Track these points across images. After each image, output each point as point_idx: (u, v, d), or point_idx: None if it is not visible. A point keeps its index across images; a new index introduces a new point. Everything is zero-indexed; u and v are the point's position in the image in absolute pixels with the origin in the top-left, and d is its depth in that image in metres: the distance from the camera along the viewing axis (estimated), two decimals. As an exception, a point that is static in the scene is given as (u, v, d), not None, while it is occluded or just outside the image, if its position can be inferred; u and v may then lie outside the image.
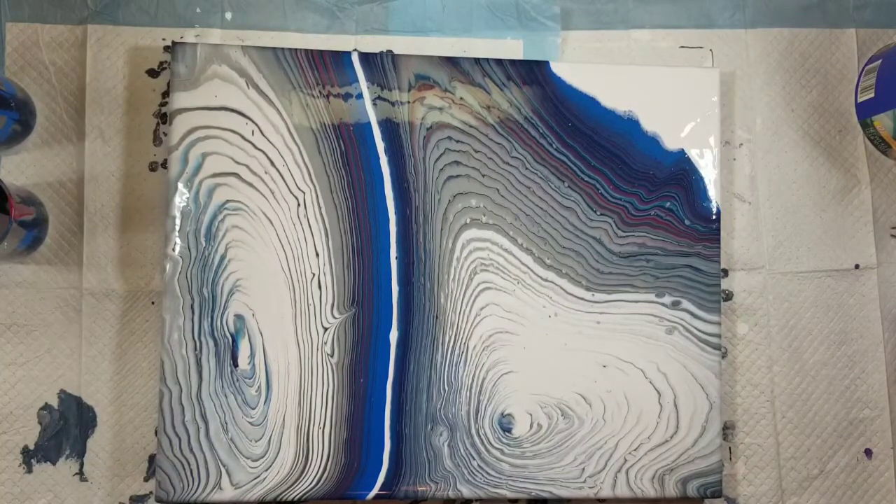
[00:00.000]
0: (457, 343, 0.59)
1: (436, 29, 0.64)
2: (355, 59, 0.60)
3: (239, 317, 0.58)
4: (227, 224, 0.58)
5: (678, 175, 0.62)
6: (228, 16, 0.63)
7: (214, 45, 0.59)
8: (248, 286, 0.58)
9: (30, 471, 0.59)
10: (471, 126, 0.60)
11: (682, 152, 0.62)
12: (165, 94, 0.61)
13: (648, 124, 0.62)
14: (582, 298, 0.60)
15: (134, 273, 0.60)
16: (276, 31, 0.63)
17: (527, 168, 0.60)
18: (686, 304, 0.61)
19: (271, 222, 0.58)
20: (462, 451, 0.59)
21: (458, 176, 0.60)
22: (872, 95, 0.63)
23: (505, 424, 0.59)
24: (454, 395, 0.59)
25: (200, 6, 0.63)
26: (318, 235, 0.59)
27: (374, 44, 0.63)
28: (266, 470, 0.57)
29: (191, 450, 0.56)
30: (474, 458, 0.59)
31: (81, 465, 0.59)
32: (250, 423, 0.57)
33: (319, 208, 0.59)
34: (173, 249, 0.57)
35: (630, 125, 0.61)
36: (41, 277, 0.60)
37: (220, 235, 0.58)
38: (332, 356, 0.58)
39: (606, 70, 0.62)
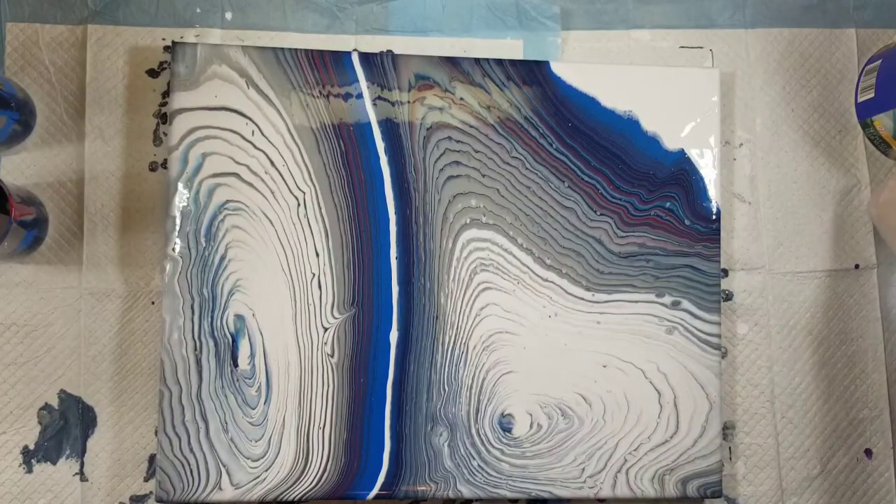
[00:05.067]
0: (457, 343, 0.59)
1: (436, 29, 0.64)
2: (355, 59, 0.60)
3: (239, 317, 0.58)
4: (227, 224, 0.58)
5: (678, 175, 0.62)
6: (228, 16, 0.63)
7: (214, 45, 0.59)
8: (248, 286, 0.58)
9: (30, 471, 0.59)
10: (471, 126, 0.60)
11: (682, 152, 0.62)
12: (165, 94, 0.61)
13: (648, 124, 0.62)
14: (582, 298, 0.60)
15: (134, 273, 0.60)
16: (276, 31, 0.63)
17: (527, 168, 0.60)
18: (686, 304, 0.61)
19: (271, 222, 0.58)
20: (462, 451, 0.59)
21: (458, 176, 0.60)
22: (872, 95, 0.63)
23: (505, 424, 0.59)
24: (454, 396, 0.59)
25: (200, 6, 0.63)
26: (318, 235, 0.59)
27: (374, 44, 0.63)
28: (266, 470, 0.57)
29: (191, 450, 0.57)
30: (474, 458, 0.59)
31: (81, 465, 0.59)
32: (250, 423, 0.57)
33: (319, 208, 0.59)
34: (173, 249, 0.57)
35: (630, 125, 0.61)
36: (41, 277, 0.60)
37: (220, 235, 0.58)
38: (332, 356, 0.58)
39: (606, 70, 0.62)
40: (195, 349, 0.57)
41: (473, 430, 0.59)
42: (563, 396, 0.60)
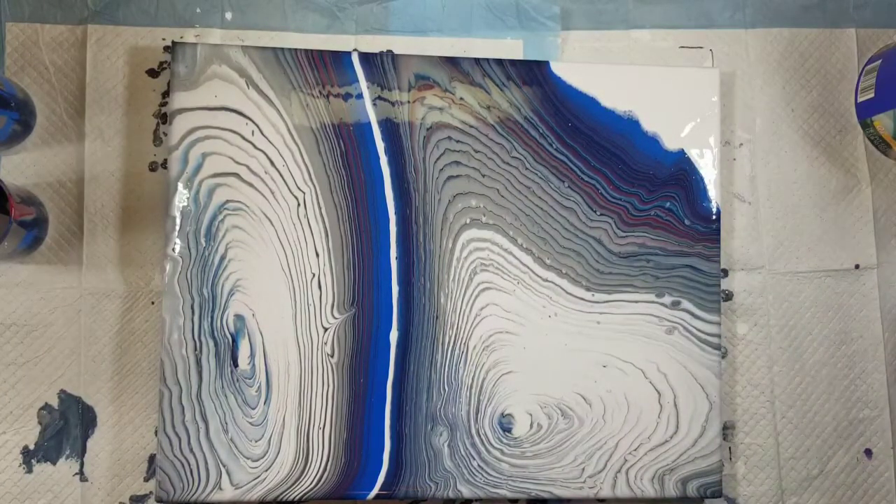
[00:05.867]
0: (457, 343, 0.59)
1: (436, 29, 0.64)
2: (355, 59, 0.60)
3: (239, 317, 0.58)
4: (227, 224, 0.58)
5: (678, 175, 0.62)
6: (228, 16, 0.63)
7: (214, 45, 0.59)
8: (248, 286, 0.58)
9: (30, 471, 0.59)
10: (471, 126, 0.60)
11: (682, 152, 0.62)
12: (165, 94, 0.61)
13: (648, 124, 0.62)
14: (582, 298, 0.60)
15: (134, 273, 0.60)
16: (276, 31, 0.63)
17: (527, 168, 0.60)
18: (686, 304, 0.61)
19: (271, 222, 0.58)
20: (462, 451, 0.59)
21: (458, 176, 0.60)
22: (872, 95, 0.63)
23: (505, 424, 0.59)
24: (454, 395, 0.59)
25: (200, 6, 0.63)
26: (318, 235, 0.59)
27: (374, 44, 0.63)
28: (266, 470, 0.57)
29: (191, 450, 0.57)
30: (474, 458, 0.59)
31: (81, 465, 0.59)
32: (250, 423, 0.57)
33: (319, 208, 0.59)
34: (173, 249, 0.57)
35: (630, 125, 0.61)
36: (41, 277, 0.60)
37: (220, 235, 0.58)
38: (332, 356, 0.58)
39: (606, 70, 0.62)
40: (195, 349, 0.57)
41: (473, 430, 0.59)
42: (563, 396, 0.60)
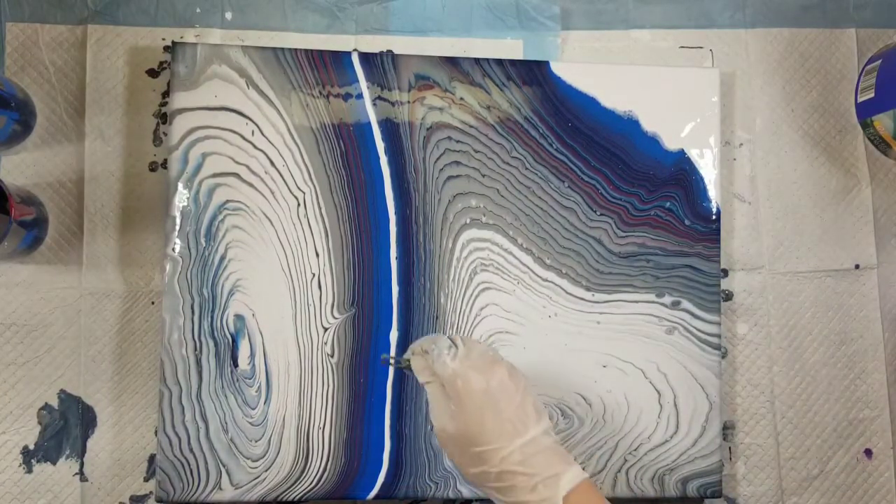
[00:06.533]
0: (457, 343, 0.59)
1: (436, 29, 0.64)
2: (355, 59, 0.60)
3: (239, 317, 0.58)
4: (227, 224, 0.58)
5: (678, 175, 0.62)
6: (228, 16, 0.63)
7: (214, 45, 0.59)
8: (248, 286, 0.58)
9: (30, 471, 0.59)
10: (471, 126, 0.60)
11: (682, 152, 0.62)
12: (165, 94, 0.61)
13: (648, 124, 0.62)
14: (582, 298, 0.60)
15: (134, 273, 0.60)
16: (276, 31, 0.63)
17: (527, 168, 0.60)
18: (686, 304, 0.61)
19: (271, 222, 0.58)
20: (462, 451, 0.58)
21: (458, 176, 0.60)
22: (872, 95, 0.63)
23: (505, 424, 0.59)
24: (454, 395, 0.59)
25: (200, 6, 0.63)
26: (318, 235, 0.59)
27: (374, 44, 0.63)
28: (266, 470, 0.57)
29: (191, 450, 0.56)
30: (474, 458, 0.59)
31: (81, 465, 0.59)
32: (250, 423, 0.57)
33: (319, 208, 0.59)
34: (173, 249, 0.57)
35: (630, 125, 0.61)
36: (41, 277, 0.60)
37: (220, 235, 0.58)
38: (332, 356, 0.58)
39: (606, 70, 0.62)
40: (195, 349, 0.57)
41: (473, 430, 0.59)
42: (563, 396, 0.60)
